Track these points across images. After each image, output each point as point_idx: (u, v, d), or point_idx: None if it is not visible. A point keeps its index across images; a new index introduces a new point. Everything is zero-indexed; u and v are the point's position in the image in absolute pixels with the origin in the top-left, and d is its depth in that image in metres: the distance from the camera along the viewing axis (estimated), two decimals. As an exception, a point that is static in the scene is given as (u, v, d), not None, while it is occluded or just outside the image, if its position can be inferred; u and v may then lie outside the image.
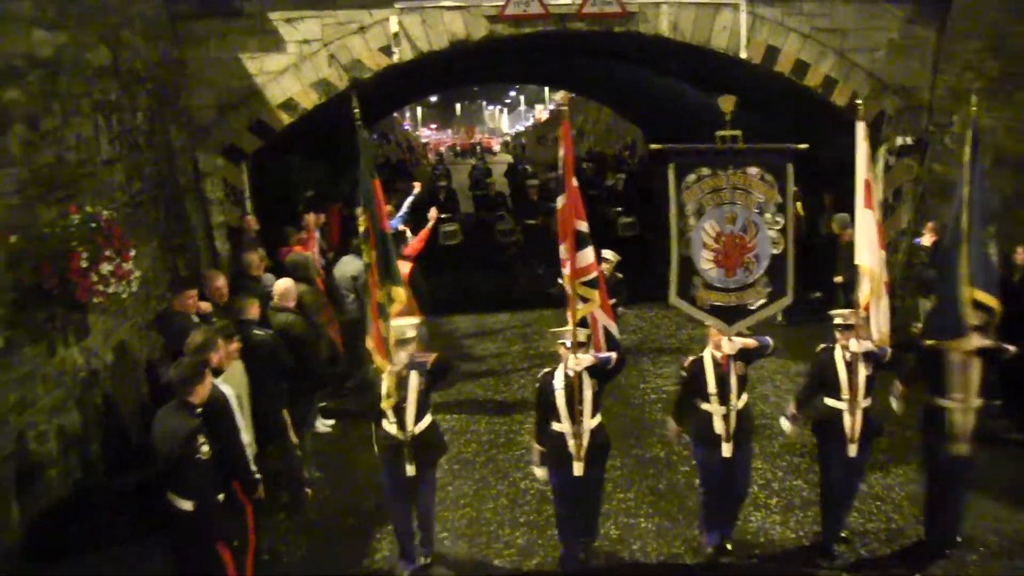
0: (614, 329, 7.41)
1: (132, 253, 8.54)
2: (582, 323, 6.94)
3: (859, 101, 7.53)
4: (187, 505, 5.21)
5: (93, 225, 8.16)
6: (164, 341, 8.97)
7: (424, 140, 65.71)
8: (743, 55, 13.57)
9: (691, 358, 7.23)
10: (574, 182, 6.81)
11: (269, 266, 10.79)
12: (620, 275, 11.42)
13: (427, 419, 6.86)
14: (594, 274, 6.92)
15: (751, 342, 7.02)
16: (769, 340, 7.15)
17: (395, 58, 12.82)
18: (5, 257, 7.43)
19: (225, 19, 12.47)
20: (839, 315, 7.24)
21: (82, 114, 9.23)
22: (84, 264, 7.91)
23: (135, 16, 10.95)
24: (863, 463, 7.33)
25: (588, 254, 6.88)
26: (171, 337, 8.17)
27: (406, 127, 55.04)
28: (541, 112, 70.30)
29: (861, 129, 7.20)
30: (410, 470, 6.68)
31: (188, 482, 5.17)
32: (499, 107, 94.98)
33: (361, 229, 6.64)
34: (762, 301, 6.96)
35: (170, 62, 12.16)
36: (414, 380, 6.71)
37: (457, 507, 8.07)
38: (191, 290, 8.50)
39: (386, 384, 6.61)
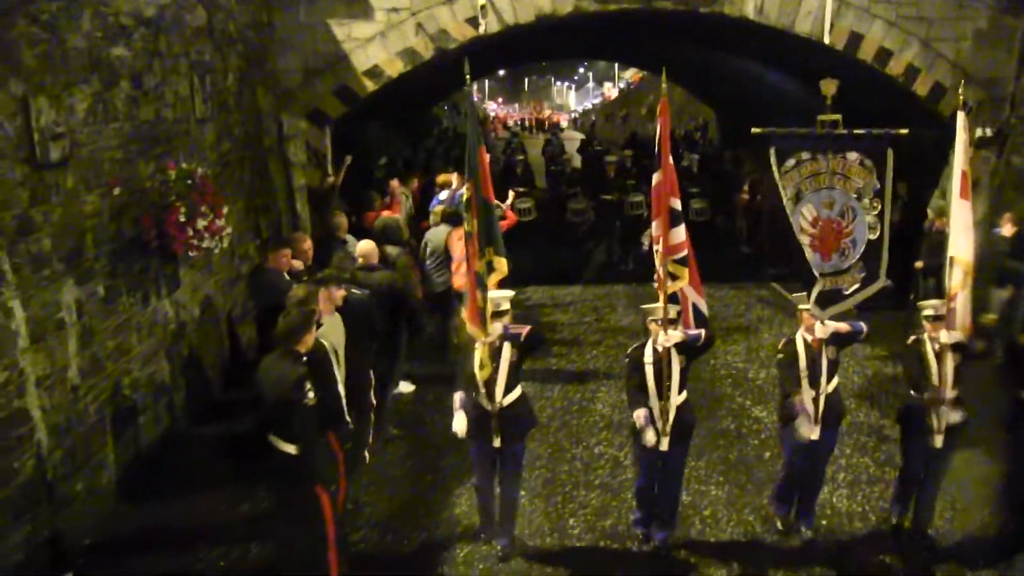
0: (703, 306, 7.33)
1: (225, 210, 8.84)
2: (672, 299, 6.88)
3: (962, 92, 7.41)
4: (291, 448, 5.43)
5: (189, 182, 8.46)
6: (254, 296, 9.21)
7: (492, 113, 65.85)
8: (826, 40, 13.45)
9: (784, 339, 7.22)
10: (670, 160, 6.78)
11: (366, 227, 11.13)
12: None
13: (517, 391, 6.78)
14: (685, 251, 6.86)
15: (844, 327, 6.94)
16: (863, 325, 7.03)
17: (481, 30, 12.93)
18: (109, 208, 7.73)
19: (317, -17, 12.64)
20: (929, 306, 7.14)
21: (180, 73, 9.50)
22: (182, 219, 8.22)
23: (231, -22, 11.21)
24: (945, 455, 7.17)
25: (680, 231, 6.83)
26: (262, 293, 8.43)
27: (476, 99, 55.17)
28: (610, 90, 69.91)
29: (961, 119, 7.13)
30: (496, 442, 6.64)
31: (293, 427, 5.40)
32: (567, 83, 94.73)
33: (464, 197, 6.60)
34: (856, 286, 6.96)
35: (260, 25, 12.40)
36: (507, 352, 6.64)
37: (533, 468, 8.20)
38: (286, 248, 8.74)
39: (479, 355, 6.59)
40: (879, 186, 6.89)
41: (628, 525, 7.37)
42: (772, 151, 6.75)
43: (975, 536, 7.33)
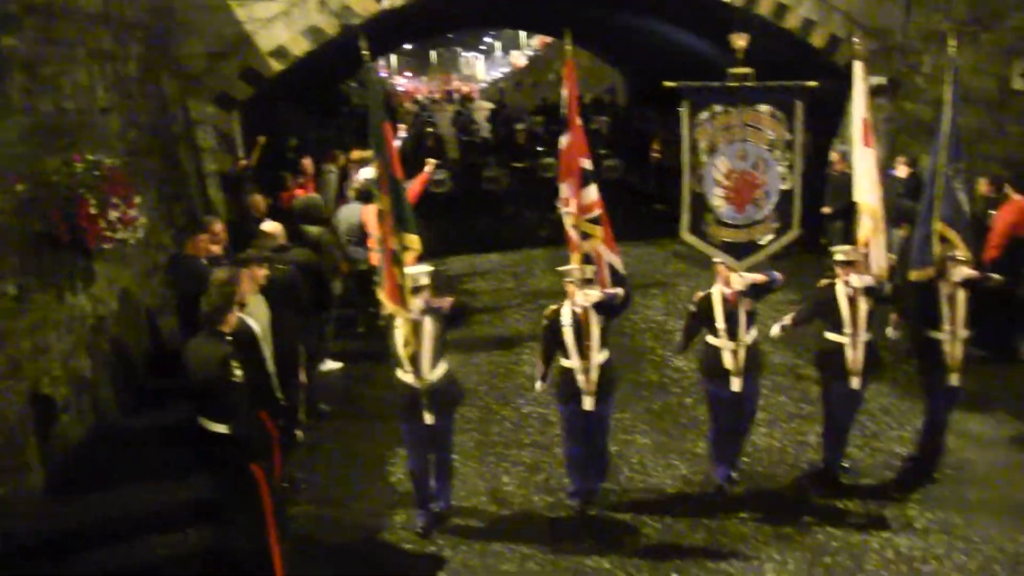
0: (619, 264, 7.33)
1: (137, 200, 8.75)
2: (587, 259, 6.94)
3: (857, 40, 7.62)
4: (222, 428, 5.49)
5: (97, 173, 8.35)
6: (174, 285, 9.13)
7: (400, 88, 65.31)
8: (725, -2, 13.76)
9: (700, 294, 7.24)
10: (578, 121, 6.83)
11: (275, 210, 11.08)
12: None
13: (443, 366, 6.74)
14: (598, 211, 6.93)
15: (760, 277, 6.99)
16: (778, 275, 7.12)
17: (385, 4, 12.90)
18: (13, 205, 7.58)
19: (214, -35, 12.45)
20: (840, 251, 7.25)
21: (78, 62, 9.32)
22: (93, 210, 8.12)
23: (123, -37, 10.98)
24: (862, 395, 7.43)
25: (592, 191, 6.89)
26: (182, 280, 8.37)
27: (382, 75, 54.71)
28: (518, 58, 69.90)
29: (859, 68, 7.24)
30: (428, 418, 6.58)
31: (223, 406, 5.46)
32: (475, 54, 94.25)
33: (373, 175, 6.63)
34: (770, 236, 7.06)
35: (159, 10, 12.17)
36: (429, 326, 6.58)
37: (464, 431, 8.36)
38: (203, 234, 8.68)
39: (402, 332, 6.53)
40: (790, 137, 6.98)
41: (560, 477, 7.59)
42: (685, 104, 6.82)
43: (893, 470, 7.63)
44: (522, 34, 63.58)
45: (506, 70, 75.82)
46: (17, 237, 7.59)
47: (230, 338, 5.63)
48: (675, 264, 14.13)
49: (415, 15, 14.03)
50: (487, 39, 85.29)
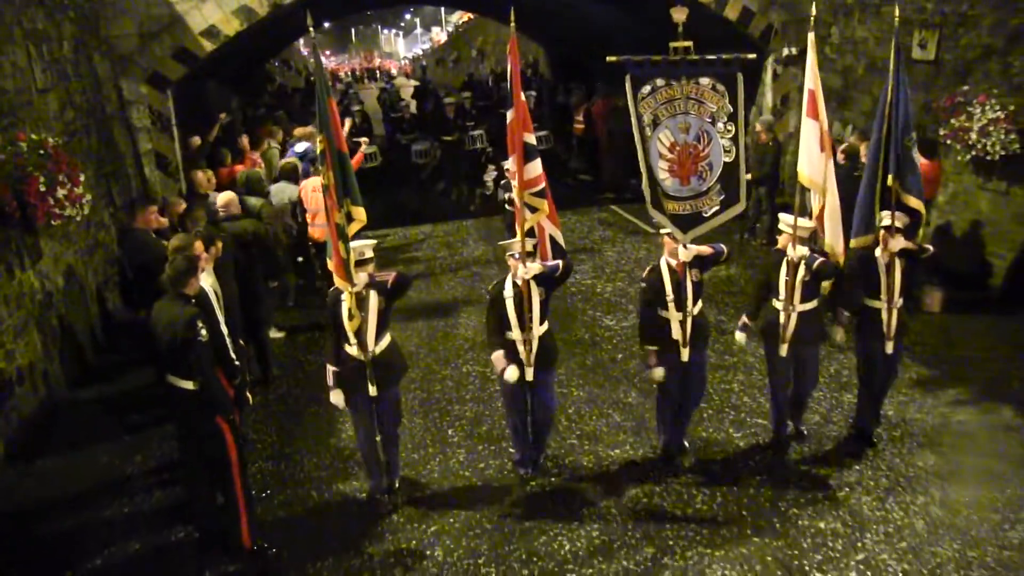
0: (560, 238, 7.40)
1: (82, 178, 8.97)
2: (529, 233, 6.99)
3: (813, 13, 7.33)
4: (189, 385, 5.84)
5: (42, 152, 8.55)
6: (126, 256, 9.32)
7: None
8: (643, -28, 14.29)
9: (649, 267, 7.23)
10: (522, 96, 6.82)
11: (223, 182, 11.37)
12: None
13: (387, 338, 6.78)
14: (542, 185, 6.97)
15: (706, 249, 7.02)
16: (723, 247, 7.15)
17: (315, -16, 13.15)
18: (-39, 184, 7.81)
19: (142, -55, 12.56)
20: (784, 220, 7.37)
21: (15, 42, 9.46)
22: (43, 188, 8.35)
23: (53, -56, 11.07)
24: (803, 364, 7.48)
25: (537, 165, 6.91)
26: (134, 252, 8.59)
27: (304, 53, 54.22)
28: (439, 34, 69.92)
29: (811, 39, 7.11)
30: (372, 390, 6.60)
31: (191, 364, 5.80)
32: (394, 31, 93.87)
33: (318, 151, 6.44)
34: (715, 208, 7.04)
35: (89, -10, 12.27)
36: (374, 300, 6.60)
37: (408, 390, 8.72)
38: (153, 206, 8.91)
39: (347, 305, 6.52)
40: (732, 110, 6.96)
41: (503, 429, 7.99)
42: (628, 78, 6.80)
43: (832, 439, 7.78)
44: (442, 10, 63.51)
45: (426, 47, 75.79)
46: (-34, 215, 7.80)
47: (194, 300, 5.98)
48: (600, 230, 14.77)
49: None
50: (407, 15, 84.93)
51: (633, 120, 6.83)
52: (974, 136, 10.23)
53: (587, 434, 8.01)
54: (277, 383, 9.27)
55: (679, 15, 6.83)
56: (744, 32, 14.84)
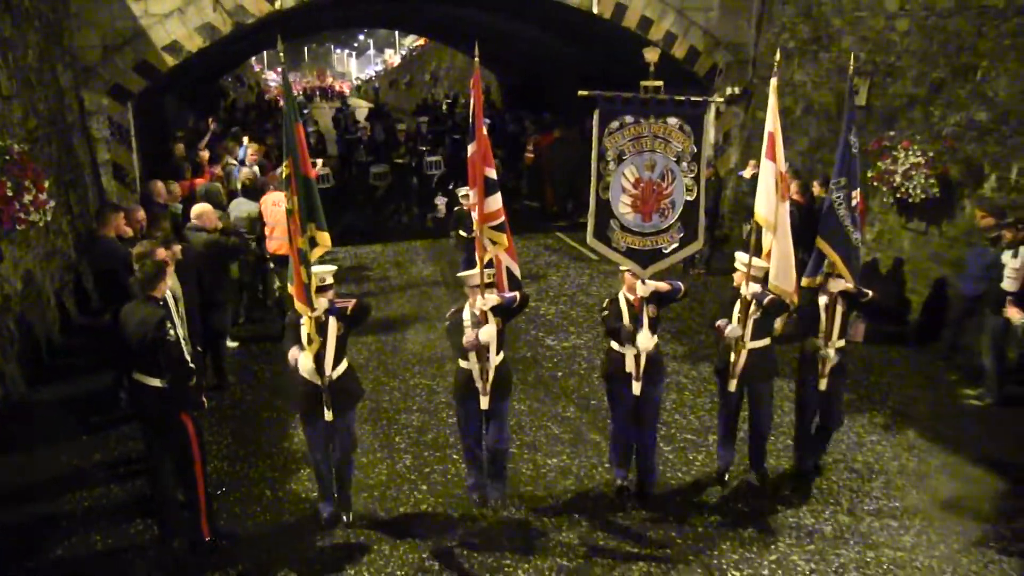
0: (516, 270, 7.49)
1: (46, 184, 9.25)
2: (487, 264, 7.05)
3: (777, 58, 7.46)
4: (156, 382, 6.18)
5: (7, 158, 8.84)
6: (90, 263, 9.53)
7: (272, 83, 64.83)
8: (595, 10, 14.95)
9: (608, 299, 7.42)
10: (483, 130, 6.95)
11: (182, 195, 11.69)
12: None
13: (344, 364, 6.79)
14: (502, 219, 7.06)
15: (664, 285, 7.12)
16: (681, 285, 7.27)
17: (278, 4, 13.61)
18: (-70, 187, 8.07)
19: (109, -40, 12.87)
20: (739, 259, 7.50)
21: (-17, 51, 9.77)
22: (10, 193, 8.63)
23: (22, -46, 11.35)
24: (756, 401, 7.59)
25: (497, 199, 7.04)
26: (100, 258, 8.80)
27: (256, 69, 54.33)
28: (392, 57, 70.36)
29: (773, 84, 7.19)
30: (328, 415, 6.64)
31: (160, 362, 6.15)
32: (347, 51, 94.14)
33: (283, 175, 6.42)
34: (675, 245, 7.13)
35: (55, 1, 12.53)
36: (333, 325, 6.65)
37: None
38: (120, 214, 9.19)
39: (306, 330, 6.55)
40: (696, 150, 7.05)
41: (447, 437, 8.48)
42: (596, 113, 6.88)
43: (774, 473, 7.95)
44: (395, 32, 64.04)
45: (379, 68, 76.13)
46: (-67, 217, 8.06)
47: (162, 303, 6.36)
48: (545, 256, 15.38)
49: (292, 15, 14.65)
50: (360, 36, 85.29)
51: (594, 153, 6.94)
52: (898, 179, 10.96)
53: (527, 443, 8.48)
54: (232, 390, 9.61)
55: (651, 55, 6.98)
56: (690, 71, 15.57)
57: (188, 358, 6.66)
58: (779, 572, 6.48)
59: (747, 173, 13.56)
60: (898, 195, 11.14)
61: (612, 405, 7.54)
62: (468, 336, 6.83)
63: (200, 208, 9.51)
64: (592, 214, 7.05)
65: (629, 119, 6.91)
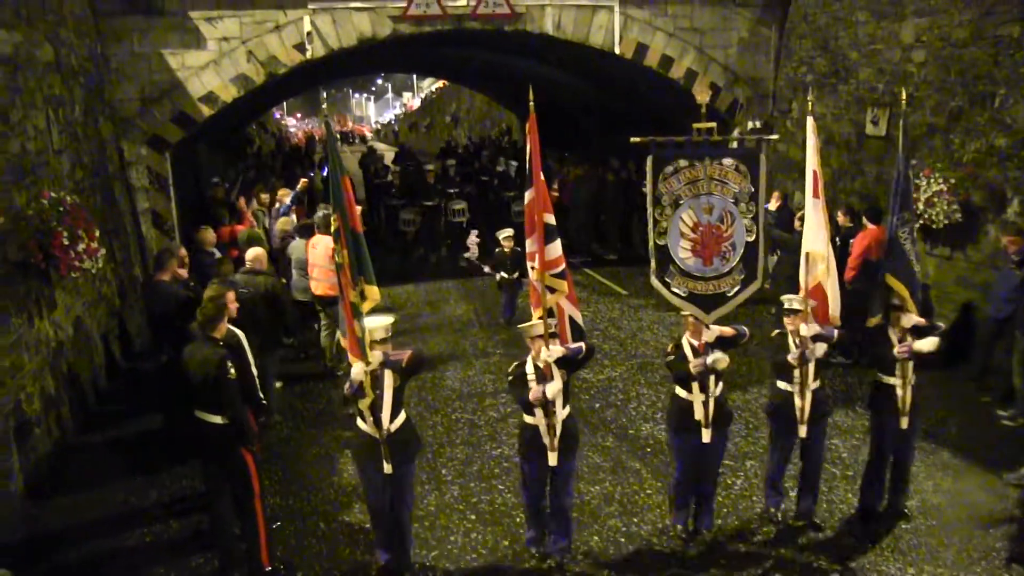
0: (579, 318, 7.27)
1: (97, 233, 9.63)
2: (549, 313, 6.81)
3: (811, 98, 7.57)
4: (218, 419, 6.47)
5: (61, 209, 9.21)
6: (149, 307, 9.80)
7: (292, 129, 65.91)
8: (617, 51, 15.34)
9: (672, 344, 7.23)
10: (541, 176, 6.78)
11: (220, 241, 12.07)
12: (519, 249, 13.15)
13: (402, 416, 6.71)
14: (562, 266, 6.90)
15: (728, 330, 6.98)
16: (745, 329, 7.13)
17: (308, 54, 14.06)
18: (-5, 237, 8.45)
19: (147, 16, 13.42)
20: (787, 300, 7.32)
21: (37, 108, 10.16)
22: (66, 242, 9.01)
23: (68, 15, 11.84)
24: (815, 443, 7.48)
25: (557, 246, 6.88)
26: (159, 302, 9.18)
27: (277, 116, 55.26)
28: (411, 100, 71.28)
29: (810, 124, 7.22)
30: (387, 468, 6.52)
31: (221, 400, 6.44)
32: (365, 95, 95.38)
33: (332, 228, 6.45)
34: (737, 288, 7.02)
35: (96, 57, 13.03)
36: (389, 378, 6.57)
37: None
38: (174, 259, 9.52)
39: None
40: (753, 190, 6.94)
41: (492, 467, 8.74)
42: (650, 159, 6.83)
43: (849, 519, 7.80)
44: (413, 76, 64.98)
45: (398, 112, 77.12)
46: (-1, 264, 8.43)
47: (222, 343, 6.65)
48: (578, 293, 15.38)
49: (325, 63, 15.13)
50: (378, 80, 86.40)
51: (649, 199, 6.88)
52: (921, 206, 11.17)
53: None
54: (279, 428, 9.88)
55: (702, 96, 7.08)
56: (712, 107, 15.87)
57: (262, 395, 6.98)
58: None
59: (772, 205, 13.81)
60: (922, 222, 11.34)
61: (679, 455, 7.27)
62: (534, 392, 6.61)
63: (255, 252, 9.85)
64: (653, 256, 6.98)
65: (683, 163, 6.85)
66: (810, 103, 7.36)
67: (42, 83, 10.50)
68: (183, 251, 10.06)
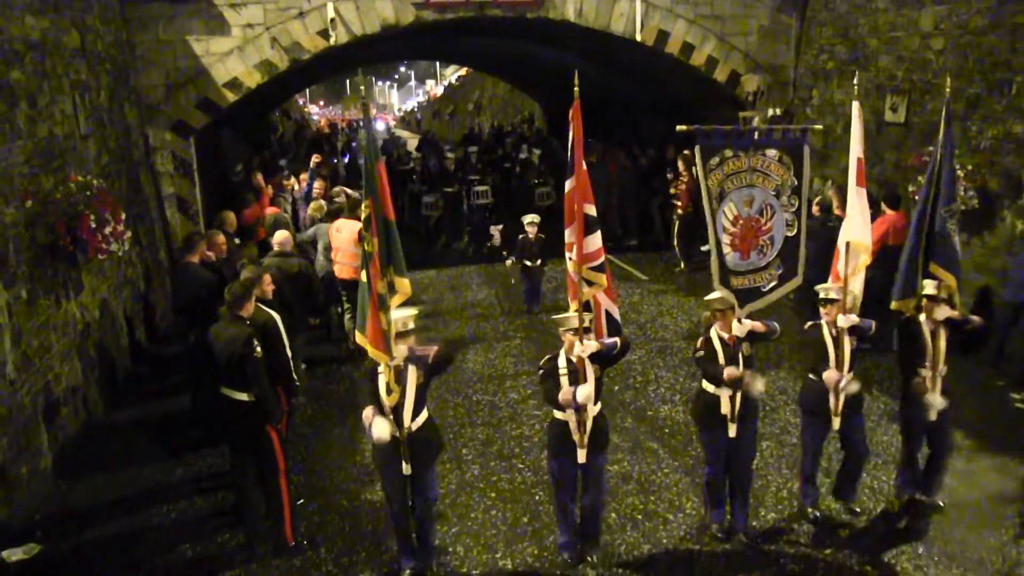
0: (616, 313, 6.94)
1: (123, 216, 9.79)
2: (585, 307, 6.53)
3: (856, 83, 7.29)
4: (244, 396, 6.61)
5: (88, 193, 9.37)
6: (178, 290, 9.90)
7: (315, 116, 66.19)
8: (638, 38, 15.35)
9: (701, 339, 7.01)
10: (583, 166, 6.46)
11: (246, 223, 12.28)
12: (543, 236, 13.33)
13: (424, 414, 6.44)
14: (601, 259, 6.57)
15: (760, 325, 6.79)
16: (776, 325, 6.94)
17: (332, 41, 14.15)
18: (24, 219, 8.61)
19: (172, 3, 13.56)
20: (824, 289, 7.19)
21: (63, 93, 10.33)
22: (93, 225, 9.16)
23: (94, 1, 11.99)
24: (855, 436, 7.35)
25: (596, 239, 6.54)
26: (188, 285, 9.27)
27: (300, 103, 55.50)
28: (434, 88, 71.32)
29: (856, 108, 7.04)
30: (406, 468, 6.31)
31: (246, 377, 6.57)
32: (388, 82, 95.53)
33: (363, 216, 6.14)
34: (774, 283, 6.87)
35: (122, 44, 13.19)
36: (412, 374, 6.30)
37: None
38: (203, 241, 9.70)
39: (385, 378, 6.23)
40: (796, 183, 6.80)
41: (512, 447, 8.88)
42: (697, 149, 6.64)
43: (884, 515, 7.63)
44: (437, 64, 65.01)
45: (421, 99, 77.16)
46: (26, 247, 8.62)
47: (248, 322, 6.79)
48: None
49: (348, 50, 15.23)
50: (401, 68, 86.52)
51: (703, 193, 6.71)
52: (939, 192, 11.18)
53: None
54: (303, 408, 10.03)
55: (750, 84, 6.78)
56: (732, 94, 15.91)
57: (295, 377, 7.13)
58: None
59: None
60: (941, 208, 11.37)
61: (709, 451, 7.14)
62: (564, 394, 6.36)
63: (282, 235, 10.02)
64: (715, 259, 6.80)
65: (728, 153, 6.67)
66: (856, 88, 7.12)
67: (69, 69, 10.65)
68: (220, 236, 10.18)
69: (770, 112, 16.06)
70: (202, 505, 7.95)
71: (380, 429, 6.16)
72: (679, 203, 15.63)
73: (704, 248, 16.35)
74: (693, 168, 15.49)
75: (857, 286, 7.24)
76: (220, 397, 6.77)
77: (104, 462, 8.86)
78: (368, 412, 6.28)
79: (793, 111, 16.04)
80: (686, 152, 16.04)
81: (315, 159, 14.51)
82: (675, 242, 16.10)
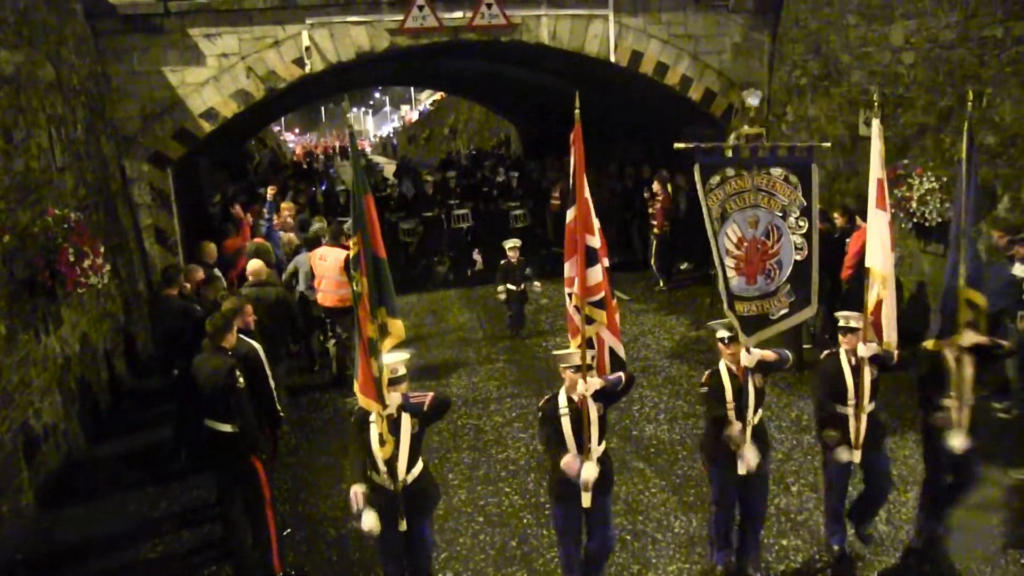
0: (620, 350, 6.71)
1: (102, 249, 9.77)
2: (588, 344, 6.21)
3: (875, 100, 6.87)
4: (228, 427, 6.59)
5: (66, 226, 9.34)
6: (158, 322, 9.88)
7: (291, 144, 66.13)
8: (612, 59, 15.43)
9: (708, 371, 6.68)
10: (586, 192, 6.09)
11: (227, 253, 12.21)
12: (523, 258, 13.39)
13: (419, 465, 6.02)
14: (603, 293, 6.22)
15: (770, 354, 6.43)
16: (788, 354, 6.62)
17: (307, 69, 14.14)
18: (1, 253, 8.54)
19: (147, 35, 13.53)
20: (844, 317, 6.85)
21: (39, 126, 10.30)
22: (72, 259, 9.12)
23: (68, 35, 12.00)
24: (878, 469, 6.99)
25: (598, 271, 6.17)
26: (168, 317, 9.29)
27: (275, 130, 55.42)
28: (409, 113, 71.44)
29: (876, 127, 6.62)
30: (402, 525, 5.87)
31: (230, 408, 6.55)
32: (363, 108, 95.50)
33: (352, 253, 5.72)
34: (784, 311, 6.53)
35: (96, 76, 13.16)
36: (407, 423, 5.88)
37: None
38: (181, 275, 9.72)
39: (378, 429, 5.81)
40: (805, 203, 6.47)
41: (498, 471, 8.84)
42: (697, 168, 6.34)
43: (909, 543, 7.41)
44: (411, 89, 65.16)
45: (396, 125, 77.26)
46: (5, 282, 8.55)
47: (231, 353, 6.77)
48: (576, 299, 15.61)
49: (324, 78, 15.22)
50: (376, 94, 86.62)
51: (704, 212, 6.38)
52: (914, 204, 11.30)
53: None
54: (286, 438, 9.93)
55: (751, 99, 6.56)
56: (708, 111, 16.02)
57: (279, 407, 7.12)
58: None
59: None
60: (915, 220, 11.48)
61: (718, 487, 6.71)
62: (567, 464, 5.94)
63: (256, 265, 9.97)
64: (722, 283, 6.49)
65: (730, 172, 6.38)
66: (876, 104, 6.71)
67: (44, 102, 10.63)
68: (200, 272, 10.15)
69: (745, 129, 16.15)
70: (188, 538, 7.89)
71: (369, 523, 5.70)
72: (655, 223, 15.69)
73: (684, 267, 16.57)
74: (668, 186, 15.72)
75: (886, 314, 6.79)
76: (205, 429, 6.72)
77: (87, 497, 8.77)
78: (357, 492, 5.68)
79: (768, 127, 16.13)
80: (663, 171, 16.19)
81: (271, 191, 14.09)
82: (652, 261, 16.12)
